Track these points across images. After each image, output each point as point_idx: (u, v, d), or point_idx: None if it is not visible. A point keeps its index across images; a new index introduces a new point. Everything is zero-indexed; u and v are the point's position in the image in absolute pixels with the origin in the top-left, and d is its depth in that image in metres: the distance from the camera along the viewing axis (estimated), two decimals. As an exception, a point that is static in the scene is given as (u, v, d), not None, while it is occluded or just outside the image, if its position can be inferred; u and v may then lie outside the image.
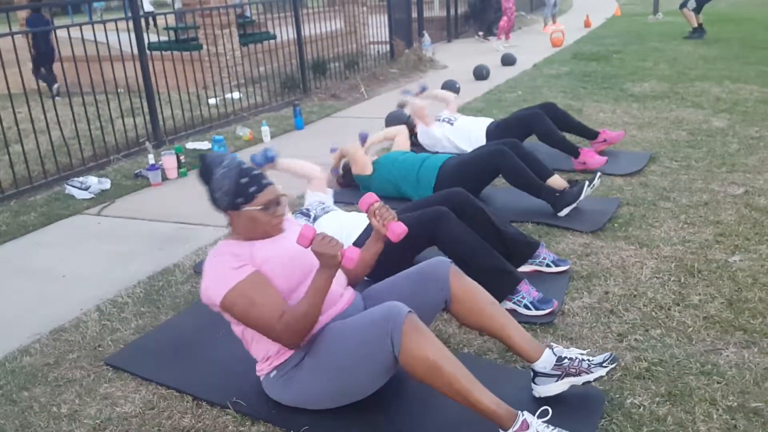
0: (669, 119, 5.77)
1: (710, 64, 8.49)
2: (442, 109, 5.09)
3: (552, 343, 2.18)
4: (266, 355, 2.13)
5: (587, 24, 14.10)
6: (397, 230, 2.10)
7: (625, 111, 6.15)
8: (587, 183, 3.63)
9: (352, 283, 2.36)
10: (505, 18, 11.54)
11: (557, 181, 3.80)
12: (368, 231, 3.03)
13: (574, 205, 3.61)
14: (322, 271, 1.96)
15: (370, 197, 2.17)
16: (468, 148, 4.62)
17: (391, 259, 2.82)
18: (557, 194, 3.65)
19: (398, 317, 1.90)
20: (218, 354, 2.54)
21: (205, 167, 2.16)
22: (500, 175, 3.80)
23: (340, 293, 2.21)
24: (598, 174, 3.78)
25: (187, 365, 2.48)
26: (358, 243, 2.97)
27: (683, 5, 11.04)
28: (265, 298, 2.00)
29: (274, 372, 2.13)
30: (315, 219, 3.14)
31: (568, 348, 2.21)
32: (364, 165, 4.10)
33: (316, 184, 3.44)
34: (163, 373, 2.42)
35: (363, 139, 4.57)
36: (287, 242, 2.14)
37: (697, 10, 10.93)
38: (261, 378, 2.20)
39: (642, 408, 2.11)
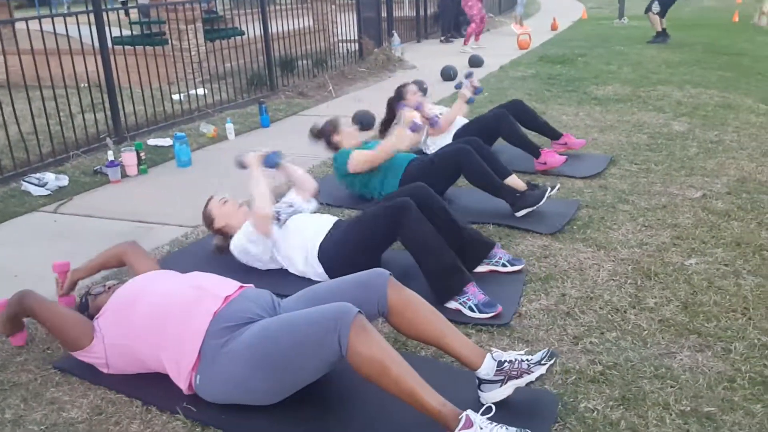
0: (630, 122, 5.84)
1: (673, 68, 8.63)
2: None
3: (492, 348, 2.19)
4: (174, 368, 2.20)
5: (554, 27, 14.24)
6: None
7: (587, 114, 6.21)
8: (549, 189, 3.67)
9: None
10: (473, 24, 11.58)
11: (515, 181, 3.85)
12: (337, 226, 3.10)
13: (533, 208, 3.64)
14: None
15: (63, 266, 2.90)
16: (434, 147, 4.65)
17: (358, 257, 2.83)
18: (518, 194, 3.69)
19: (347, 317, 1.92)
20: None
21: None
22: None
23: (215, 294, 2.25)
24: (558, 186, 3.82)
25: (138, 369, 2.42)
26: (325, 241, 3.02)
27: (648, 9, 11.20)
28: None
29: (198, 377, 2.16)
30: (284, 222, 3.14)
31: (506, 351, 2.21)
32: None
33: (303, 192, 3.50)
34: (112, 378, 2.35)
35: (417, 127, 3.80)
36: None
37: (662, 14, 11.10)
38: (195, 391, 2.19)
39: (595, 412, 2.11)
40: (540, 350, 2.18)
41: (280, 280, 3.02)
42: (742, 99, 6.77)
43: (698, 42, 11.21)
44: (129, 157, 4.93)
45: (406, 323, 2.20)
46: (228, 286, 2.34)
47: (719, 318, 2.66)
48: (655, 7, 11.02)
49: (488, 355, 2.14)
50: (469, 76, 4.86)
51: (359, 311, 1.96)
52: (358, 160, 3.92)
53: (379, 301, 2.19)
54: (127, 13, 12.28)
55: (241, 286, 2.38)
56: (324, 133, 4.19)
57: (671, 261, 3.16)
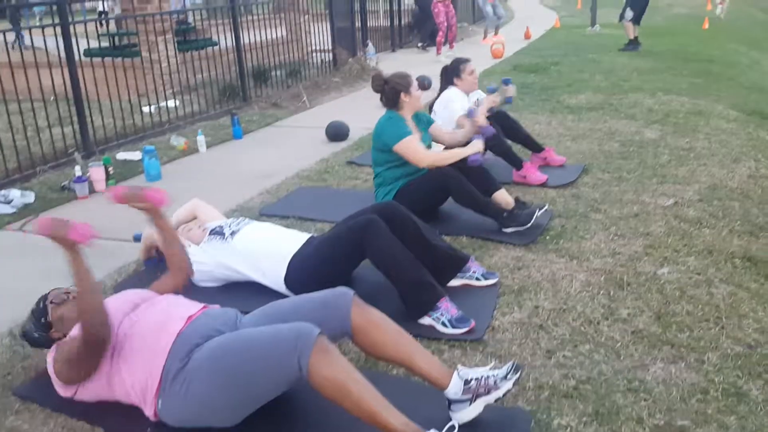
0: (603, 131, 5.86)
1: (644, 76, 8.70)
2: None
3: (458, 366, 2.16)
4: (140, 395, 2.13)
5: (527, 36, 14.29)
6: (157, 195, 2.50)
7: (560, 123, 6.23)
8: (537, 210, 3.59)
9: (179, 281, 2.56)
10: (440, 32, 11.64)
11: (504, 197, 3.79)
12: (309, 243, 3.04)
13: (520, 229, 3.59)
14: (67, 257, 2.17)
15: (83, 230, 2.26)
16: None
17: (326, 275, 2.79)
18: (505, 214, 3.64)
19: (309, 338, 1.89)
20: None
21: (27, 339, 2.44)
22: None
23: (178, 315, 2.21)
24: (546, 207, 3.73)
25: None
26: (295, 258, 2.96)
27: (622, 17, 11.31)
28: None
29: (160, 401, 2.09)
30: (233, 233, 3.08)
31: (472, 368, 2.17)
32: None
33: (207, 215, 3.43)
34: (74, 406, 2.27)
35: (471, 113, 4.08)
36: None
37: (635, 21, 11.21)
38: (160, 417, 2.12)
39: (569, 429, 2.09)
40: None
41: (249, 298, 2.95)
42: (713, 105, 6.84)
43: (669, 50, 11.34)
44: (97, 172, 4.84)
45: (371, 343, 2.16)
46: (191, 307, 2.29)
47: (692, 328, 2.65)
48: (628, 15, 11.14)
49: (455, 374, 2.10)
50: (507, 82, 4.85)
51: (321, 332, 1.93)
52: (408, 153, 3.69)
53: (342, 321, 2.15)
54: (100, 25, 12.17)
55: (205, 306, 2.32)
56: (393, 89, 3.77)
57: (644, 270, 3.16)
